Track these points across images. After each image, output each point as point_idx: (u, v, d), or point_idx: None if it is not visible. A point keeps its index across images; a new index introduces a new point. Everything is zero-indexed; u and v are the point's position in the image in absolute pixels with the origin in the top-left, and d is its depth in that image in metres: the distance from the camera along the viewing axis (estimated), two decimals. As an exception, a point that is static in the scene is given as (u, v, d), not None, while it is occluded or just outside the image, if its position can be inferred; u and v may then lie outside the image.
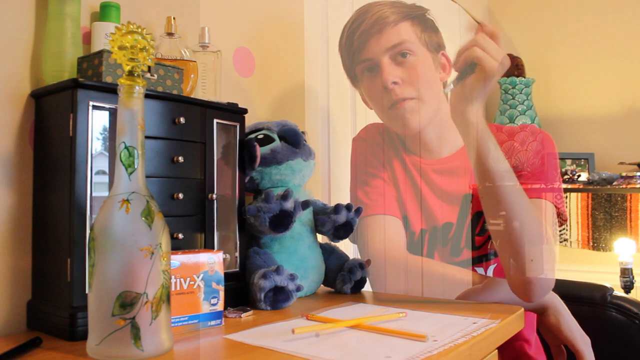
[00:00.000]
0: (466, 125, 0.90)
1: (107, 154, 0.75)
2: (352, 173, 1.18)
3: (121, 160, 0.63)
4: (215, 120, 0.90)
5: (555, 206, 0.99)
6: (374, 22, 1.05)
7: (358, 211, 1.04)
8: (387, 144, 1.17)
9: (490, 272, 1.08)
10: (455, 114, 0.92)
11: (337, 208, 1.02)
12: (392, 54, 1.05)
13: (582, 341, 0.96)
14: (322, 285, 1.07)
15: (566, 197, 2.54)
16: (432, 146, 1.13)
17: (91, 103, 0.73)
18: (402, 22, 1.07)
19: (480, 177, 0.91)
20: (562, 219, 1.04)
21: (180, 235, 0.83)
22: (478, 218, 1.08)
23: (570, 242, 2.53)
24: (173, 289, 0.72)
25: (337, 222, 1.02)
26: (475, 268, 1.07)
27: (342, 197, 1.39)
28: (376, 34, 1.05)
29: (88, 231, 0.71)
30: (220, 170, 0.92)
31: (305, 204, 0.97)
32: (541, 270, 0.88)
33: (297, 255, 1.00)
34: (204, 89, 1.00)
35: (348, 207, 1.03)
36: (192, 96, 0.94)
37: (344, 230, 1.03)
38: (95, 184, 0.73)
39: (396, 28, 1.06)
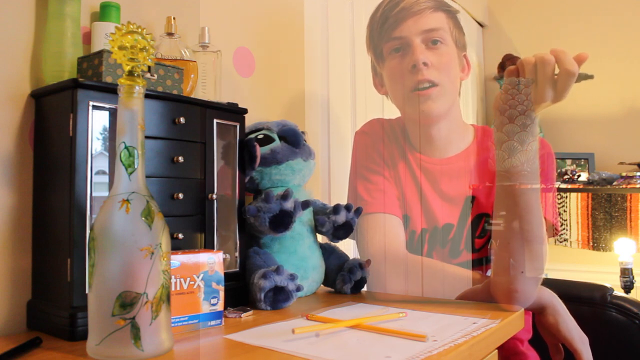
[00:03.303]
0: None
1: (107, 154, 0.75)
2: (352, 166, 1.17)
3: (121, 160, 0.63)
4: (215, 120, 0.90)
5: (546, 219, 0.99)
6: (414, 3, 1.08)
7: (358, 211, 1.04)
8: (391, 140, 1.16)
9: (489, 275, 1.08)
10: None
11: (337, 208, 1.02)
12: (425, 38, 1.07)
13: (579, 340, 0.97)
14: (322, 285, 1.07)
15: (566, 197, 2.54)
16: (438, 144, 1.13)
17: (91, 103, 0.73)
18: (440, 12, 1.10)
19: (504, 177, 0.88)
20: (555, 232, 1.04)
21: (180, 235, 0.83)
22: (479, 220, 1.08)
23: (570, 242, 2.53)
24: (173, 289, 0.72)
25: (336, 223, 1.02)
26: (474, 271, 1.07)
27: (342, 197, 1.39)
28: (414, 15, 1.07)
29: (88, 231, 0.71)
30: (220, 170, 0.92)
31: (305, 204, 0.97)
32: (532, 281, 0.88)
33: (297, 255, 1.00)
34: (204, 89, 1.00)
35: (347, 207, 1.03)
36: (192, 96, 0.94)
37: (343, 230, 1.03)
38: (95, 184, 0.73)
39: (435, 15, 1.09)
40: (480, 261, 1.09)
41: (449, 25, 1.11)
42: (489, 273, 1.07)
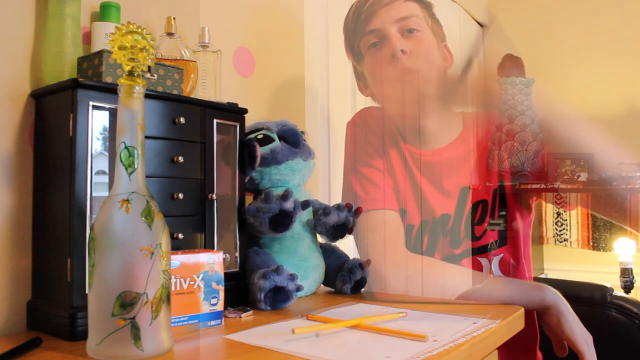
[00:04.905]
0: None
1: (107, 154, 0.75)
2: (346, 159, 1.17)
3: (121, 160, 0.63)
4: (215, 120, 0.90)
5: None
6: None
7: (356, 212, 1.04)
8: (383, 131, 1.15)
9: (495, 264, 1.07)
10: None
11: (326, 210, 1.02)
12: (400, 26, 1.06)
13: (583, 341, 0.96)
14: (322, 285, 1.07)
15: (566, 197, 2.53)
16: (428, 136, 1.12)
17: (91, 103, 0.73)
18: (412, 2, 1.10)
19: None
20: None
21: (180, 235, 0.82)
22: (476, 207, 1.07)
23: (570, 242, 2.53)
24: (173, 289, 0.72)
25: (327, 224, 1.01)
26: (479, 259, 1.07)
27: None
28: (386, 6, 1.07)
29: (88, 231, 0.71)
30: (220, 170, 0.92)
31: (305, 204, 0.97)
32: None
33: (297, 255, 1.00)
34: (204, 89, 1.00)
35: (340, 207, 1.02)
36: (192, 96, 0.94)
37: (340, 230, 1.03)
38: (95, 184, 0.73)
39: (406, 4, 1.08)
40: (482, 249, 1.08)
41: (424, 14, 1.11)
42: (495, 261, 1.06)
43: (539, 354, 1.10)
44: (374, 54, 1.09)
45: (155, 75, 0.83)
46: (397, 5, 1.07)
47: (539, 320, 1.01)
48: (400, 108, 1.09)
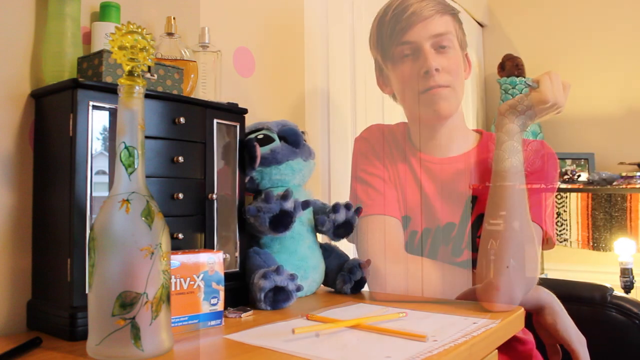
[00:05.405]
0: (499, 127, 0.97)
1: (107, 154, 0.75)
2: (353, 173, 1.18)
3: (121, 160, 0.63)
4: (215, 120, 0.90)
5: (545, 232, 1.00)
6: (424, 7, 1.09)
7: (358, 210, 1.04)
8: (391, 144, 1.17)
9: None
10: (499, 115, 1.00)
11: (336, 207, 1.02)
12: (434, 42, 1.08)
13: (577, 341, 0.97)
14: (322, 285, 1.07)
15: (566, 197, 2.54)
16: (441, 143, 1.13)
17: (91, 103, 0.73)
18: (447, 15, 1.11)
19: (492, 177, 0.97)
20: (550, 244, 1.04)
21: (180, 235, 0.83)
22: (480, 220, 1.08)
23: (570, 242, 2.53)
24: (173, 289, 0.72)
25: (336, 221, 1.02)
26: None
27: (342, 196, 1.39)
28: (424, 20, 1.08)
29: (88, 231, 0.71)
30: (220, 170, 0.92)
31: (305, 204, 0.97)
32: (517, 278, 0.88)
33: (297, 255, 1.00)
34: (204, 89, 1.00)
35: (347, 206, 1.03)
36: (192, 96, 0.94)
37: (344, 229, 1.03)
38: (95, 184, 0.73)
39: (443, 19, 1.10)
40: None
41: (455, 28, 1.13)
42: None
43: None
44: (406, 64, 1.10)
45: (155, 75, 0.83)
46: (435, 20, 1.09)
47: (532, 321, 1.01)
48: (425, 114, 1.11)
